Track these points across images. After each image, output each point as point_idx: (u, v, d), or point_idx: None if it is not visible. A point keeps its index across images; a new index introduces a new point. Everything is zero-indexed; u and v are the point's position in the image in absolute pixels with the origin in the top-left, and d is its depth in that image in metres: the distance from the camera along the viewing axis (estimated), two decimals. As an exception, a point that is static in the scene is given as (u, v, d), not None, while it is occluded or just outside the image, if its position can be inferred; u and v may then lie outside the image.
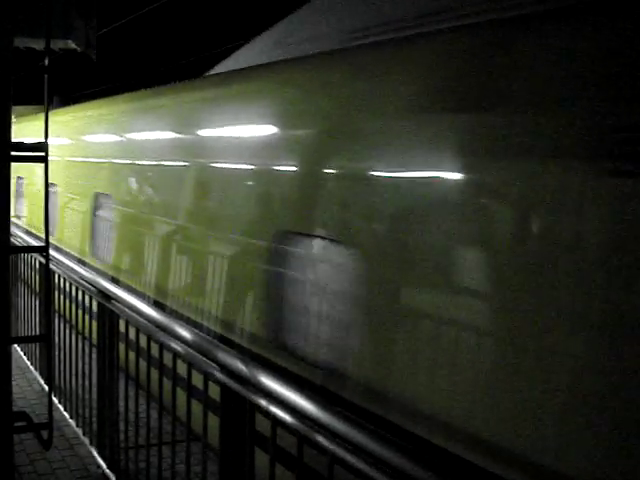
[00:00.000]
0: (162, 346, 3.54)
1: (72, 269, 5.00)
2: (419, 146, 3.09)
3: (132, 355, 4.05)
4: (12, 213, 3.76)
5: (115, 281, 5.70)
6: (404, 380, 3.07)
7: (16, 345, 6.77)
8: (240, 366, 2.89)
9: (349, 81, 3.84)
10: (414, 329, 3.05)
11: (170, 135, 6.00)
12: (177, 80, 6.73)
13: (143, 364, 3.77)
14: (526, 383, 2.52)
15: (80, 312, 4.89)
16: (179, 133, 5.83)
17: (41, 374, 6.02)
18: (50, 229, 3.97)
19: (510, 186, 2.65)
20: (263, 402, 2.71)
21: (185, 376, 3.30)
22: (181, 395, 3.41)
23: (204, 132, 5.38)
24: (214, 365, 3.05)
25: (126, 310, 3.99)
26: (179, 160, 5.59)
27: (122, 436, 4.20)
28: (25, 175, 10.04)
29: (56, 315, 5.46)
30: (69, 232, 8.18)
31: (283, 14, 5.33)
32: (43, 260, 4.61)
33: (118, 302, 4.11)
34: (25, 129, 9.28)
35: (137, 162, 6.42)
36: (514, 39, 2.85)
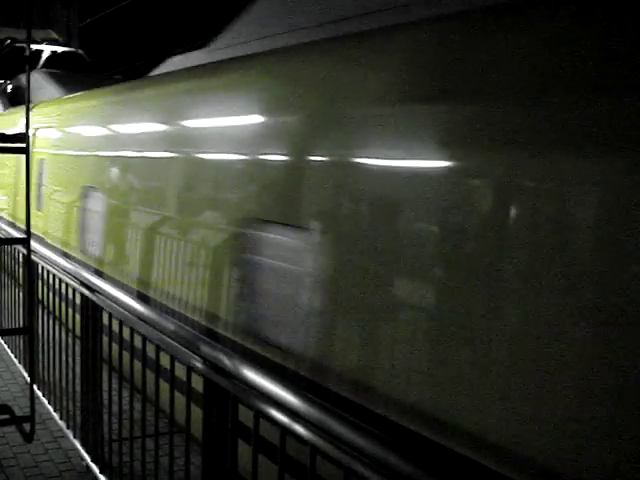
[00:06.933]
0: (145, 338, 3.53)
1: (54, 261, 4.97)
2: None
3: (115, 347, 4.04)
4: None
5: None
6: None
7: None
8: (223, 358, 2.88)
9: None
10: None
11: None
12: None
13: (127, 356, 3.76)
14: None
15: (63, 304, 4.86)
16: None
17: (25, 367, 5.99)
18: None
19: None
20: (245, 394, 2.71)
21: (168, 368, 3.30)
22: (164, 387, 3.41)
23: None
24: (197, 357, 3.05)
25: (108, 302, 3.97)
26: None
27: (106, 428, 4.19)
28: None
29: (39, 307, 5.43)
30: None
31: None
32: (25, 252, 4.58)
33: (101, 294, 4.09)
34: None
35: None
36: None
